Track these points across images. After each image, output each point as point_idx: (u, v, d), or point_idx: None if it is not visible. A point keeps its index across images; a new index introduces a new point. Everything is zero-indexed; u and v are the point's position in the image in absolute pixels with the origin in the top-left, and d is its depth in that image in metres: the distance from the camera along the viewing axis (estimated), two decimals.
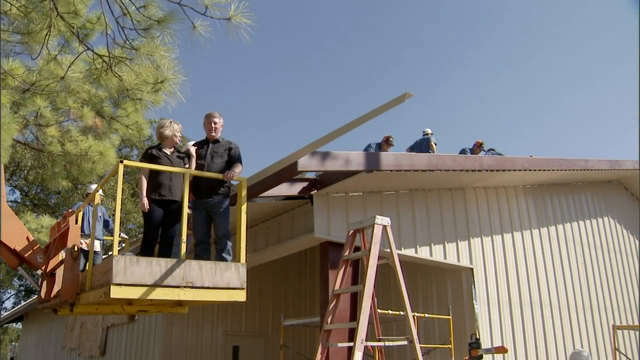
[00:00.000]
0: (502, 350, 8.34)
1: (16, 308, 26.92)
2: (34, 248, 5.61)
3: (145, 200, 5.57)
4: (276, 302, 12.71)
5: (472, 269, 9.65)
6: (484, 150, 13.38)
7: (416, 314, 8.38)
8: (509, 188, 11.05)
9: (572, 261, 11.70)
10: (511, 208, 10.95)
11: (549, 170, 10.70)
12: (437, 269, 10.01)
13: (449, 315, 9.14)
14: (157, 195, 5.64)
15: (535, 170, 10.36)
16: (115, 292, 4.61)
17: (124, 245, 9.33)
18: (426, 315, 8.88)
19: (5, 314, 30.84)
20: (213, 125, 5.98)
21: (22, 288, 35.57)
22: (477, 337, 8.96)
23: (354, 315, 7.44)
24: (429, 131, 14.24)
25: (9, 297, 38.23)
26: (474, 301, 9.42)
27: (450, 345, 8.88)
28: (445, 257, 9.28)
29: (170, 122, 6.03)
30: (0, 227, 5.29)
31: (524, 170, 10.12)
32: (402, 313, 7.65)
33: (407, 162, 8.12)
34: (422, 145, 13.71)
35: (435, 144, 13.78)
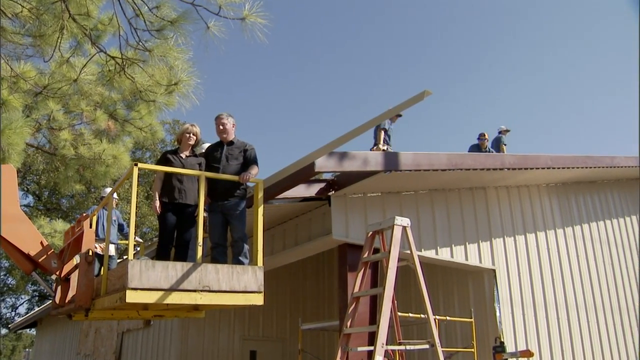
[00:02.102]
0: (527, 354, 8.27)
1: (30, 314, 27.17)
2: (48, 253, 5.62)
3: (157, 203, 5.64)
4: (294, 305, 12.73)
5: (494, 270, 9.58)
6: (492, 139, 13.15)
7: (437, 316, 8.34)
8: (532, 187, 10.95)
9: (598, 261, 11.57)
10: (534, 207, 10.85)
11: (573, 168, 10.59)
12: (458, 270, 9.96)
13: (471, 318, 9.09)
14: (167, 199, 5.69)
15: (559, 168, 10.26)
16: (131, 297, 4.62)
17: (138, 249, 9.40)
18: (448, 318, 8.84)
19: (19, 319, 31.13)
20: (221, 127, 5.99)
21: (36, 293, 35.94)
22: (502, 340, 8.89)
23: (374, 319, 7.43)
24: (504, 128, 14.16)
25: (22, 303, 38.63)
26: (496, 303, 9.36)
27: (472, 349, 8.83)
28: (466, 259, 9.23)
29: (188, 125, 6.08)
30: (12, 230, 5.33)
31: (547, 168, 10.02)
32: (423, 316, 7.63)
33: (427, 161, 8.08)
34: (493, 144, 13.69)
35: (505, 145, 13.68)
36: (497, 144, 13.64)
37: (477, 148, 13.48)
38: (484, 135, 13.62)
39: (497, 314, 9.27)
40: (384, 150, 11.57)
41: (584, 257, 11.34)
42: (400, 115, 12.21)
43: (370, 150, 11.91)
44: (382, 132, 11.76)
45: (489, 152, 13.19)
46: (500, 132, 14.18)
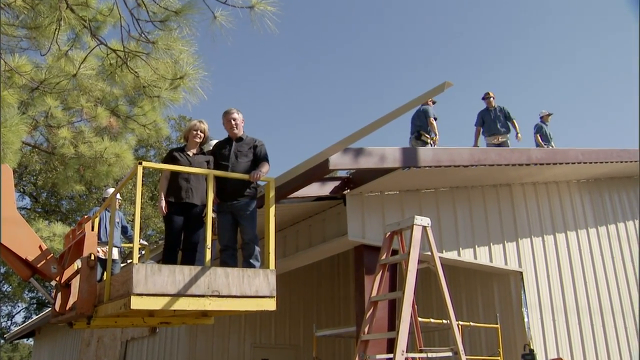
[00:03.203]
0: None
1: (27, 323, 27.33)
2: (48, 257, 5.63)
3: (163, 203, 5.68)
4: (308, 311, 12.77)
5: (521, 272, 9.55)
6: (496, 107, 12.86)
7: (461, 322, 8.33)
8: (561, 183, 10.90)
9: (635, 262, 11.48)
10: (564, 205, 10.80)
11: (606, 162, 10.52)
12: (482, 273, 9.94)
13: (497, 324, 9.07)
14: (173, 198, 5.74)
15: (590, 163, 10.20)
16: (136, 303, 4.63)
17: (143, 252, 9.47)
18: (471, 323, 8.83)
19: (16, 329, 31.23)
20: (233, 122, 6.03)
21: (33, 301, 36.14)
22: (532, 348, 8.87)
23: (393, 325, 7.45)
24: (545, 112, 14.01)
25: (19, 311, 38.87)
26: (524, 308, 9.33)
27: (499, 357, 8.81)
28: (491, 260, 9.21)
29: (195, 121, 6.13)
30: (9, 234, 5.34)
31: (578, 163, 9.97)
32: (445, 321, 7.62)
33: (447, 157, 8.08)
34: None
35: (548, 135, 13.54)
36: (489, 118, 13.18)
37: (485, 111, 12.94)
38: (489, 94, 12.97)
39: (525, 319, 9.25)
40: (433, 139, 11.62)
41: (620, 257, 11.26)
42: (434, 102, 12.22)
43: (410, 142, 11.95)
44: (434, 121, 11.78)
45: (501, 112, 12.80)
46: (541, 118, 13.97)
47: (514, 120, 12.49)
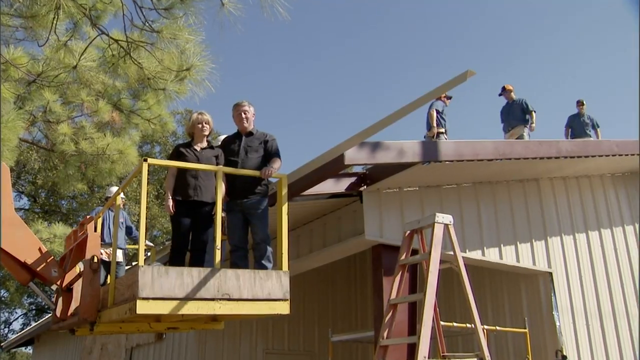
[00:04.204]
0: None
1: (26, 330, 27.48)
2: (48, 260, 5.63)
3: (170, 202, 5.71)
4: (323, 315, 12.81)
5: (550, 273, 9.52)
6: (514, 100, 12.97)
7: (486, 326, 8.32)
8: (594, 177, 10.83)
9: None
10: (597, 201, 10.73)
11: None
12: (508, 274, 9.91)
13: (525, 329, 9.05)
14: (180, 196, 5.77)
15: (626, 155, 10.12)
16: (142, 308, 4.64)
17: (149, 254, 9.54)
18: (497, 328, 8.82)
19: (14, 337, 31.36)
20: (244, 115, 6.07)
21: (32, 307, 36.40)
22: (564, 354, 8.83)
23: (414, 329, 7.46)
24: (583, 101, 14.20)
25: (17, 318, 39.06)
26: (554, 312, 9.30)
27: None
28: (518, 260, 9.19)
29: (195, 115, 6.14)
30: (7, 236, 5.33)
31: (612, 155, 9.90)
32: (469, 325, 7.63)
33: (470, 151, 8.07)
34: (571, 123, 13.77)
35: (589, 124, 13.72)
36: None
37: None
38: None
39: (557, 323, 9.21)
40: (440, 132, 11.68)
41: None
42: (449, 97, 12.24)
43: (424, 137, 12.02)
44: (435, 113, 11.83)
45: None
46: (578, 108, 14.17)
47: (533, 112, 12.52)
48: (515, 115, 12.64)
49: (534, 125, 12.57)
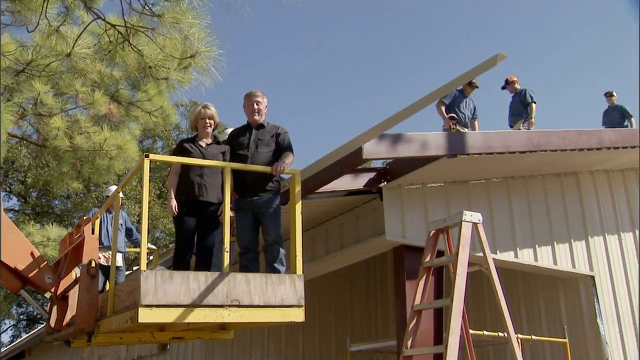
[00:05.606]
0: None
1: (15, 342, 27.59)
2: (41, 266, 5.68)
3: (174, 203, 5.74)
4: (340, 322, 12.84)
5: (592, 277, 9.47)
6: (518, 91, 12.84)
7: (520, 335, 8.30)
8: None
9: None
10: None
11: None
12: (544, 277, 9.88)
13: (565, 338, 9.00)
14: (184, 196, 5.80)
15: None
16: (145, 316, 4.66)
17: (152, 257, 9.59)
18: (533, 337, 8.79)
19: (3, 350, 31.24)
20: (256, 106, 6.08)
21: (23, 317, 36.50)
22: None
23: (440, 338, 7.47)
24: (612, 93, 14.34)
25: (6, 329, 39.09)
26: (598, 319, 9.25)
27: None
28: (555, 262, 9.15)
29: (199, 108, 6.16)
30: None
31: None
32: (501, 334, 7.62)
33: (501, 142, 8.04)
34: (606, 117, 13.85)
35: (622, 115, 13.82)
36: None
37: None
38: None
39: (601, 332, 9.16)
40: (454, 123, 11.58)
41: None
42: (476, 87, 12.10)
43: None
44: (443, 107, 11.75)
45: (518, 96, 12.92)
46: (608, 100, 14.26)
47: (532, 105, 12.25)
48: (516, 108, 12.49)
49: (532, 119, 12.19)
